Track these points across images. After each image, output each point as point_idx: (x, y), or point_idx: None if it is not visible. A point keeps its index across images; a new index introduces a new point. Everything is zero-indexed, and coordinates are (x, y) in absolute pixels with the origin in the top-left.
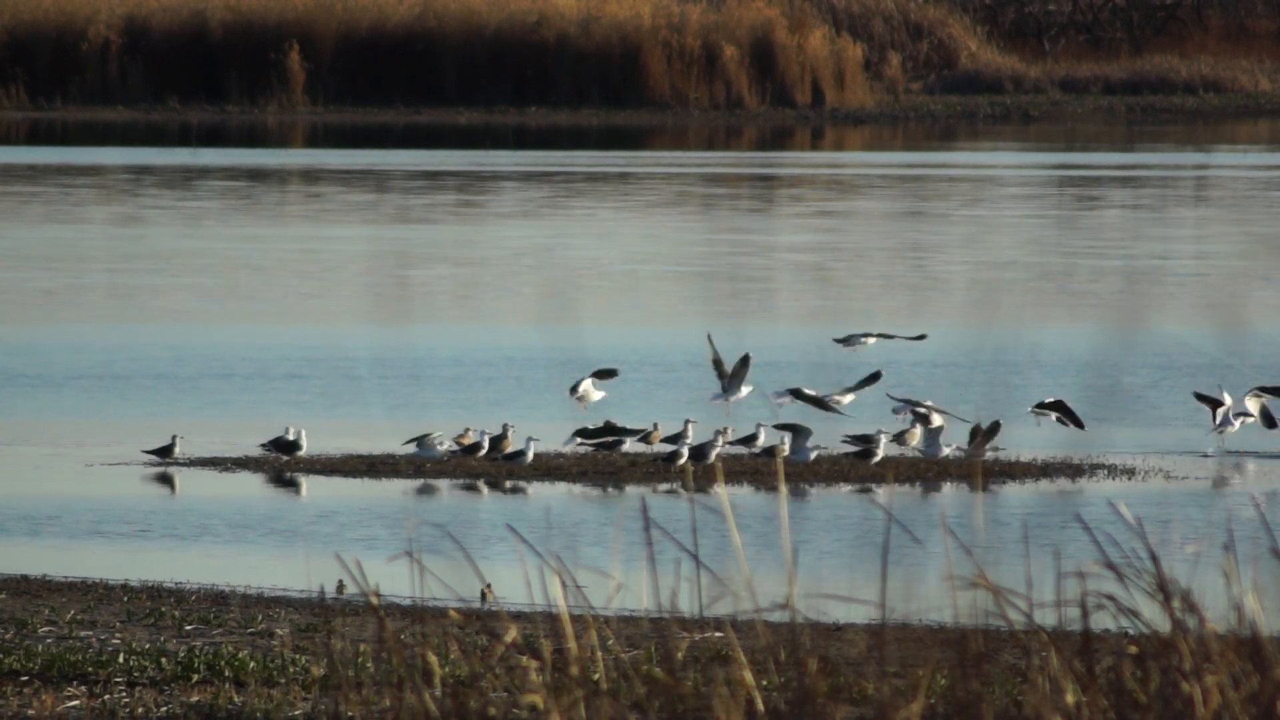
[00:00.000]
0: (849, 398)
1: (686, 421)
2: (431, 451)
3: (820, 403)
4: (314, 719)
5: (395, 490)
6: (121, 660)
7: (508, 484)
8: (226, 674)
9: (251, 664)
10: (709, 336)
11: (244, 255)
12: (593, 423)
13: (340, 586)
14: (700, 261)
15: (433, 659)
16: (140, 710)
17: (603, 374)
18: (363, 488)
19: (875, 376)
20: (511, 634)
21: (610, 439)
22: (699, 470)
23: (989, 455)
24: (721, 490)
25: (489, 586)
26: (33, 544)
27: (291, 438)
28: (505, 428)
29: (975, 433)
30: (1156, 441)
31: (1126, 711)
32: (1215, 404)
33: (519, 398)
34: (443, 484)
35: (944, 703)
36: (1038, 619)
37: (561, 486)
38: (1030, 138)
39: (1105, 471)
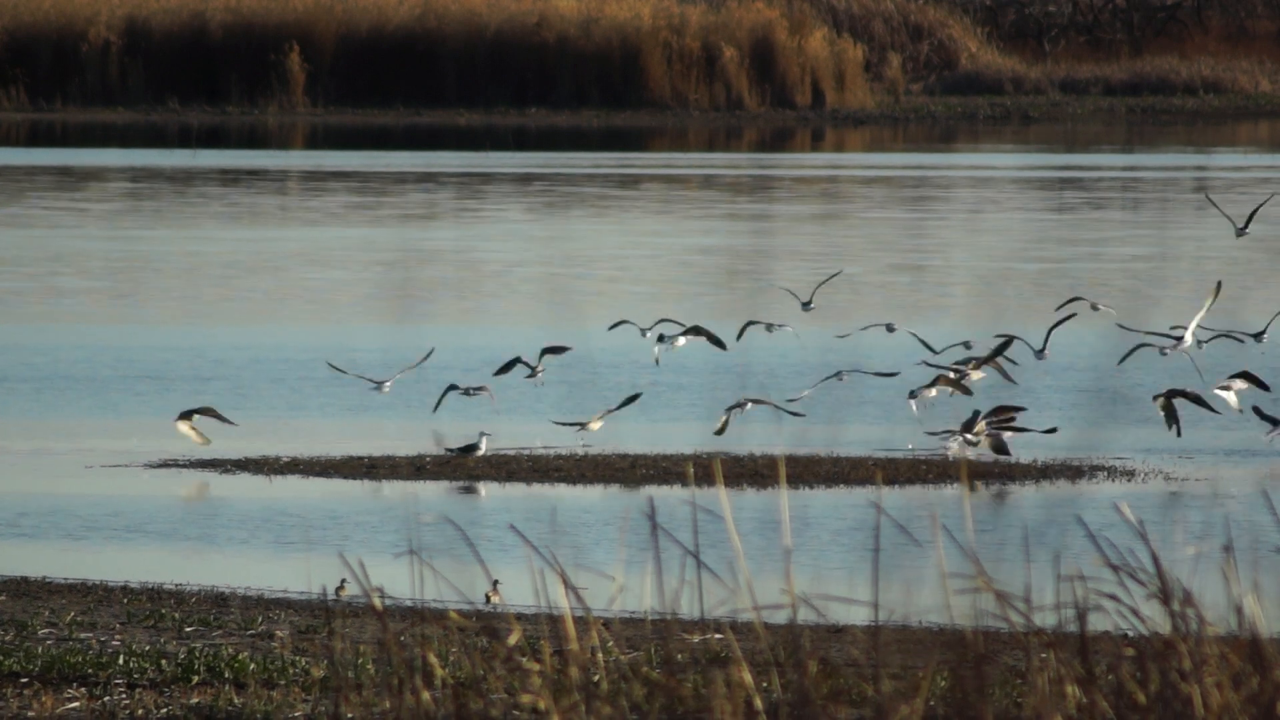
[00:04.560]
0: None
1: None
2: None
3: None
4: None
5: (395, 491)
6: (121, 662)
7: (508, 485)
8: (227, 676)
9: (252, 665)
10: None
11: (242, 256)
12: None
13: (341, 586)
14: (699, 262)
15: (434, 660)
16: (140, 712)
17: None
18: (363, 488)
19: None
20: (515, 635)
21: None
22: (699, 470)
23: (990, 458)
24: (721, 491)
25: (495, 585)
26: (33, 545)
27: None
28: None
29: None
30: (1156, 442)
31: (1126, 713)
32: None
33: (516, 397)
34: (443, 485)
35: (944, 704)
36: (1038, 620)
37: (562, 487)
38: (1030, 139)
39: (1105, 473)
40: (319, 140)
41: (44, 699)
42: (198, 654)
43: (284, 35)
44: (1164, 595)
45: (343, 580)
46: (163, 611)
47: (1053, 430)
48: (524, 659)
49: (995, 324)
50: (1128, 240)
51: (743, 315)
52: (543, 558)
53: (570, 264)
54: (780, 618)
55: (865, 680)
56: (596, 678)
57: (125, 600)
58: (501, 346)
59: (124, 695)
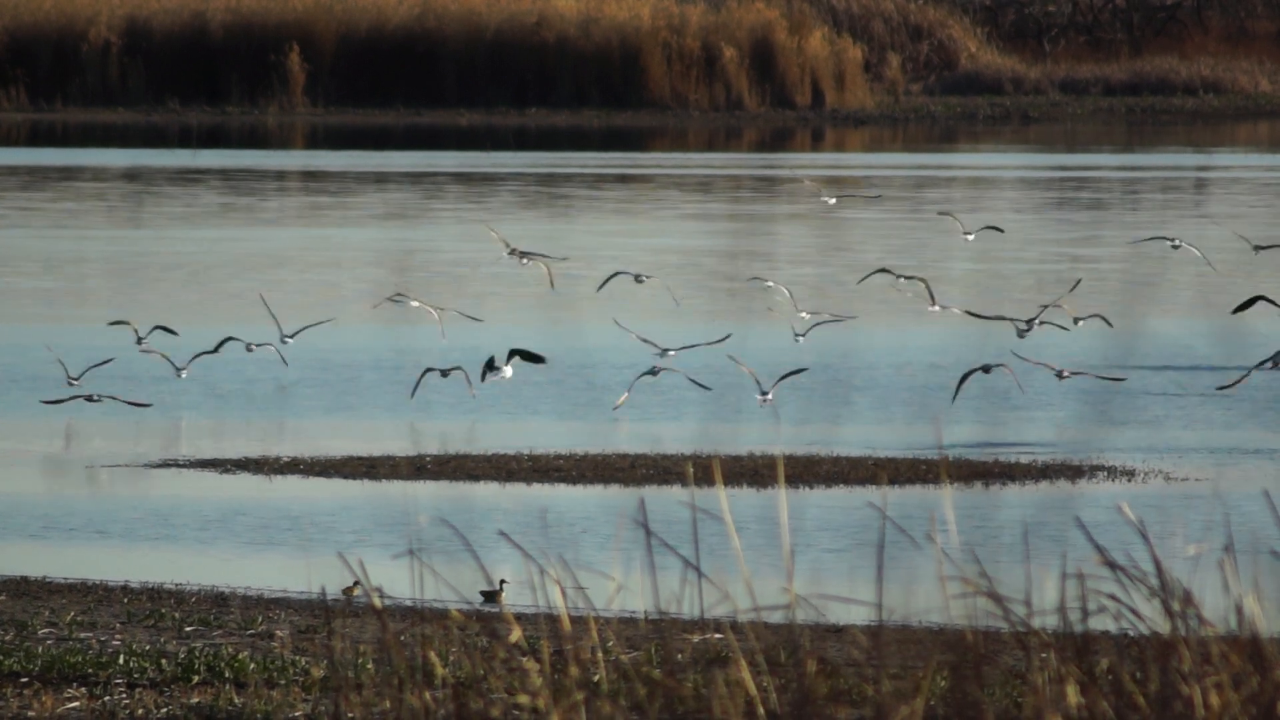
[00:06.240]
0: None
1: None
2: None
3: None
4: None
5: (395, 491)
6: (122, 662)
7: (508, 485)
8: (227, 675)
9: (252, 665)
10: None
11: (239, 256)
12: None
13: (353, 587)
14: (697, 264)
15: (434, 659)
16: (140, 712)
17: (527, 357)
18: (363, 488)
19: None
20: (515, 635)
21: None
22: (699, 470)
23: (990, 458)
24: (720, 492)
25: (502, 586)
26: (33, 545)
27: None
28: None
29: None
30: (1156, 442)
31: (1126, 713)
32: None
33: (516, 398)
34: (443, 485)
35: (944, 704)
36: (1038, 620)
37: (562, 487)
38: (1030, 139)
39: (1105, 473)
40: (319, 140)
41: (44, 699)
42: (198, 654)
43: (284, 35)
44: (1164, 595)
45: (355, 582)
46: (163, 611)
47: None
48: (524, 659)
49: (990, 324)
50: (1127, 240)
51: (741, 314)
52: (535, 563)
53: (563, 262)
54: (780, 617)
55: (865, 680)
56: (597, 677)
57: (125, 600)
58: (488, 345)
59: (124, 695)
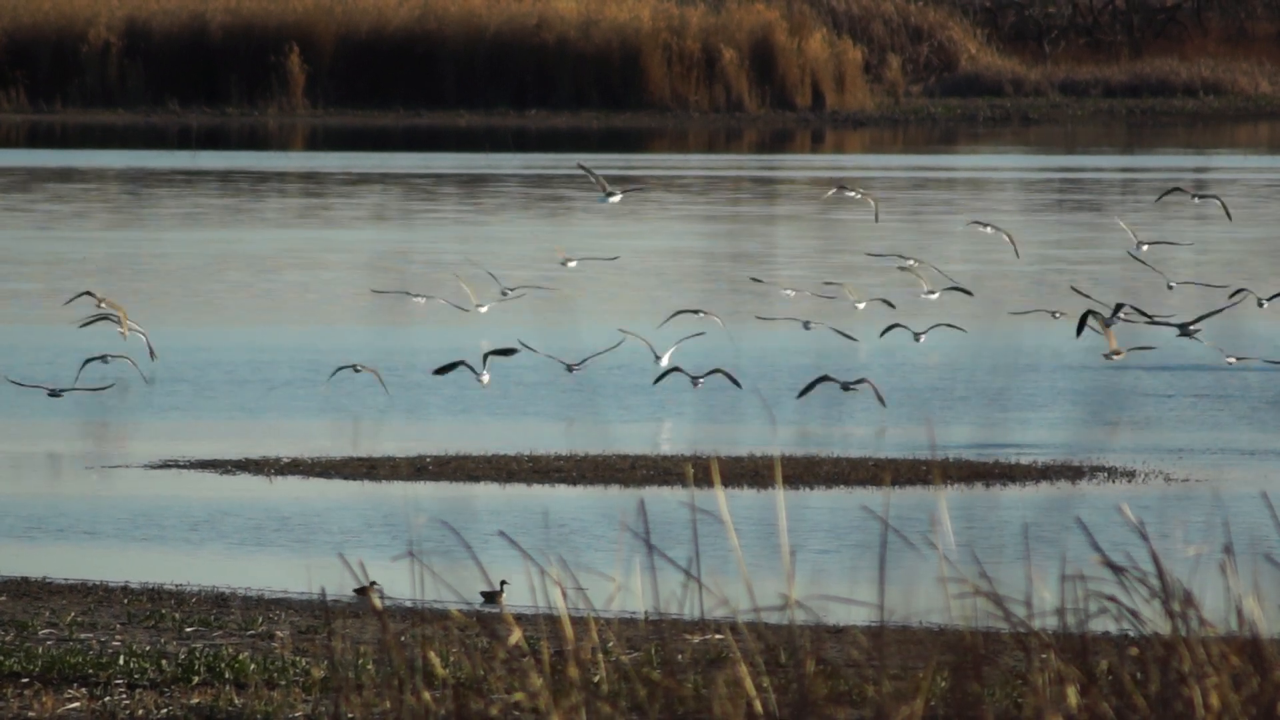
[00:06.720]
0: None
1: None
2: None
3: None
4: None
5: (395, 492)
6: (122, 662)
7: (508, 486)
8: (227, 676)
9: (252, 666)
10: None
11: (239, 257)
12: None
13: (370, 586)
14: (695, 266)
15: (435, 660)
16: (141, 712)
17: (501, 353)
18: (362, 489)
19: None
20: (515, 636)
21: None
22: (698, 471)
23: (990, 459)
24: (719, 493)
25: (502, 587)
26: (33, 546)
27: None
28: None
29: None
30: (1156, 442)
31: (1127, 714)
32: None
33: (516, 398)
34: (443, 486)
35: (944, 705)
36: (1038, 621)
37: (562, 488)
38: (1030, 141)
39: (1105, 473)
40: (318, 142)
41: (45, 699)
42: (198, 654)
43: (284, 36)
44: (1164, 596)
45: (372, 582)
46: (163, 612)
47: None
48: (524, 659)
49: (989, 325)
50: (1123, 242)
51: (738, 314)
52: (536, 564)
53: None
54: (779, 618)
55: (865, 681)
56: (597, 678)
57: (126, 601)
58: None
59: (124, 695)
